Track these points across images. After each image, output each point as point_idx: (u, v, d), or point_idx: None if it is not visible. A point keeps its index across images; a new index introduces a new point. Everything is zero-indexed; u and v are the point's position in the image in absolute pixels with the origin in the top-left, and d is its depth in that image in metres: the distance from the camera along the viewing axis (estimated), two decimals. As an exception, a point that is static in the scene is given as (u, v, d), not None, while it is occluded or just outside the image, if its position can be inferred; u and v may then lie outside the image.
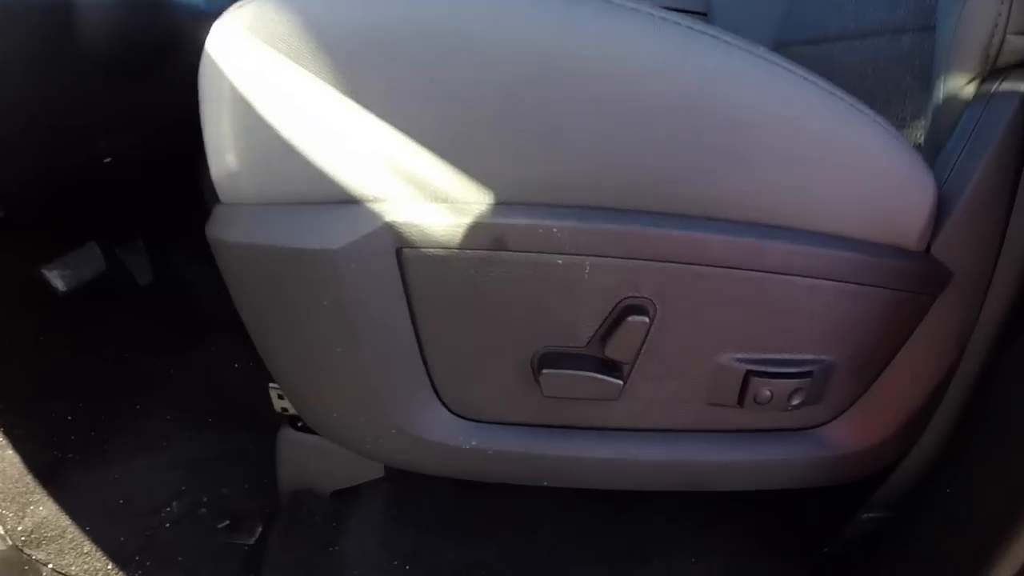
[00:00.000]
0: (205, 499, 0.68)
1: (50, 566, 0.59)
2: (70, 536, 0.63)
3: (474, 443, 0.40)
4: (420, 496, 0.59)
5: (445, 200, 0.33)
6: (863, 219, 0.35)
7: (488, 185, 0.32)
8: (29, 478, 0.72)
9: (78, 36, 0.60)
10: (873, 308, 0.36)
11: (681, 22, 0.31)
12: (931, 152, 0.43)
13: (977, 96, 0.40)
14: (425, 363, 0.38)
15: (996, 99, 0.39)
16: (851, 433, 0.40)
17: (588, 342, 0.35)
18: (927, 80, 0.48)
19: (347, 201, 0.33)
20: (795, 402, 0.36)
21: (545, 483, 0.41)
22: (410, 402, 0.39)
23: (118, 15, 0.66)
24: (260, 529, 0.59)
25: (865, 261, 0.35)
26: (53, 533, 0.62)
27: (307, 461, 0.57)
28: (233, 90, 0.33)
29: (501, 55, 0.30)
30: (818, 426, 0.40)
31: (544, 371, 0.35)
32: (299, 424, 0.53)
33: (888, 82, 0.51)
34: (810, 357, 0.36)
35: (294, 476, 0.58)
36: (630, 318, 0.33)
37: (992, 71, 0.40)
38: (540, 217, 0.32)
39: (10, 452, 0.73)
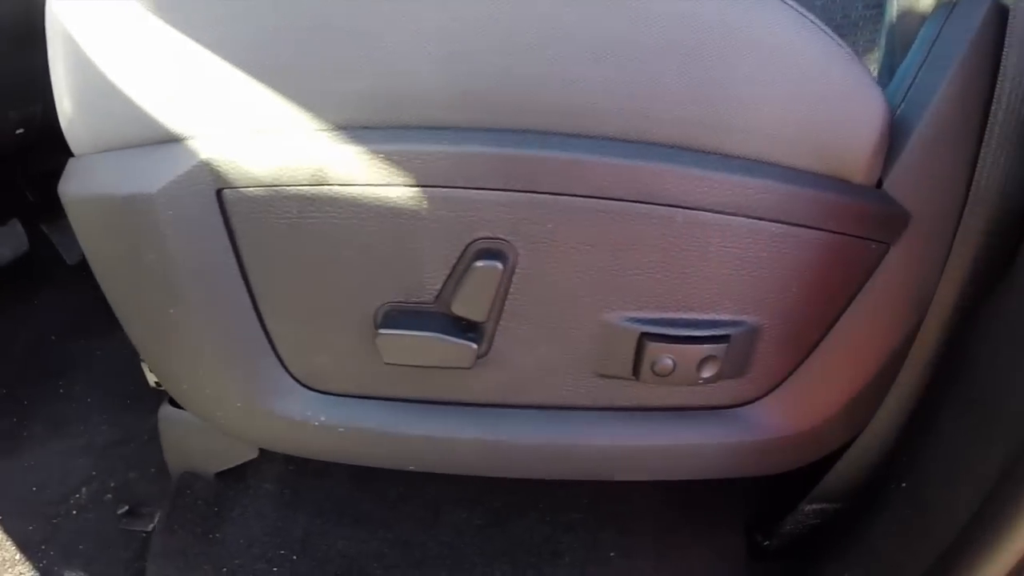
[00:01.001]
0: (112, 484, 0.67)
1: None
2: None
3: (323, 419, 0.35)
4: (314, 480, 0.54)
5: (262, 131, 0.28)
6: (794, 141, 0.28)
7: (306, 109, 0.27)
8: None
9: None
10: (809, 256, 0.30)
11: None
12: (886, 81, 0.36)
13: (938, 5, 0.33)
14: (263, 325, 0.33)
15: (960, 7, 0.32)
16: (785, 414, 0.34)
17: (437, 297, 0.29)
18: (881, 7, 0.40)
19: (167, 140, 0.30)
20: (707, 374, 0.30)
21: (410, 467, 0.36)
22: (253, 371, 0.35)
23: None
24: (159, 515, 0.56)
25: (797, 194, 0.29)
26: None
27: (187, 440, 0.54)
28: (62, 31, 0.30)
29: None
30: (743, 405, 0.34)
31: (380, 332, 0.29)
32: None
33: (837, 14, 0.45)
34: (727, 318, 0.30)
35: (179, 457, 0.55)
36: (479, 263, 0.27)
37: None
38: (366, 142, 0.27)
39: None
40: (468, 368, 0.29)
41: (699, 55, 0.26)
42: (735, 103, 0.27)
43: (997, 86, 0.30)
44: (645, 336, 0.29)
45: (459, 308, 0.28)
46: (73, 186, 0.33)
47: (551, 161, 0.26)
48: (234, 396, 0.36)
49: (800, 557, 0.44)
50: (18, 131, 0.80)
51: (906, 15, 0.37)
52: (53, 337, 1.00)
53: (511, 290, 0.29)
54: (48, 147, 0.98)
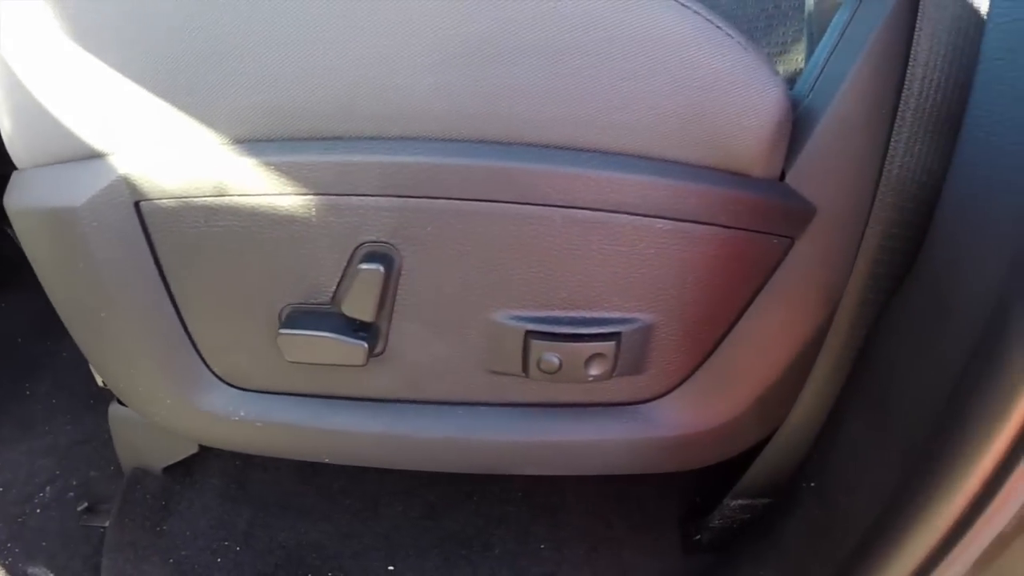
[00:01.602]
0: (74, 483, 0.71)
1: None
2: None
3: (242, 414, 0.38)
4: (259, 473, 0.58)
5: (171, 146, 0.31)
6: (679, 135, 0.29)
7: (205, 125, 0.30)
8: None
9: None
10: (703, 252, 0.31)
11: None
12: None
13: None
14: (184, 326, 0.36)
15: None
16: (690, 411, 0.36)
17: (332, 299, 0.31)
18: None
19: (89, 156, 0.33)
20: (595, 372, 0.32)
21: (325, 459, 0.38)
22: (178, 369, 0.38)
23: None
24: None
25: (685, 190, 0.30)
26: None
27: (135, 437, 0.57)
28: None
29: None
30: (645, 402, 0.36)
31: (280, 332, 0.31)
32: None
33: (769, 4, 0.46)
34: (616, 316, 0.32)
35: (129, 454, 0.59)
36: (363, 266, 0.29)
37: None
38: (259, 154, 0.29)
39: None
40: (363, 366, 0.32)
41: (564, 53, 0.27)
42: (609, 99, 0.28)
43: (908, 72, 0.30)
44: (530, 334, 0.31)
45: (348, 309, 0.30)
46: (14, 198, 0.36)
47: (424, 166, 0.28)
48: (164, 393, 0.39)
49: (729, 552, 0.46)
50: None
51: (824, 1, 0.38)
52: (19, 339, 1.05)
53: (399, 291, 0.31)
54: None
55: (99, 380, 0.56)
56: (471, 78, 0.27)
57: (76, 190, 0.33)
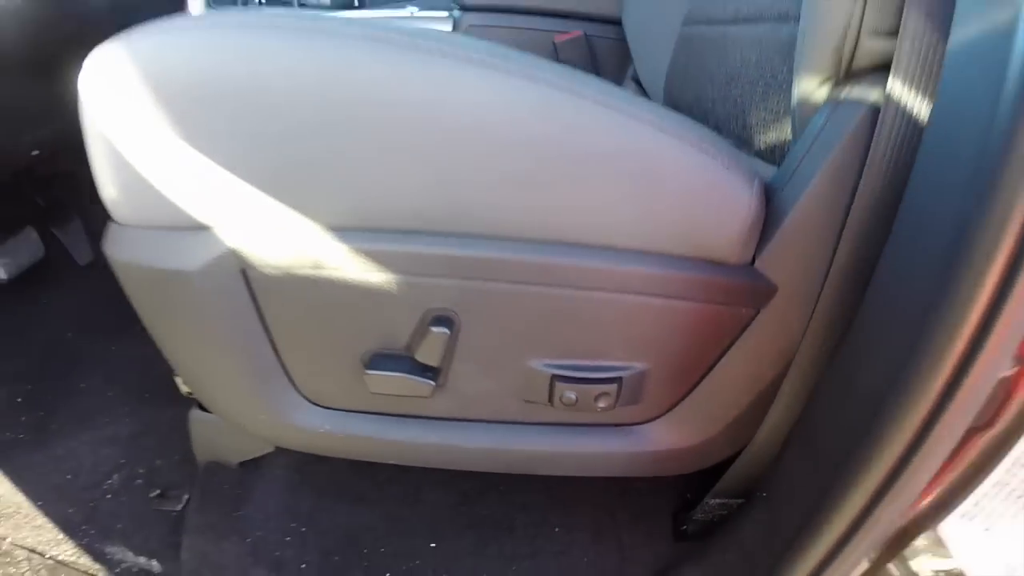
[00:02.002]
0: (141, 471, 0.80)
1: (8, 539, 0.71)
2: (25, 511, 0.75)
3: (327, 427, 0.50)
4: (316, 466, 0.71)
5: (278, 228, 0.40)
6: (668, 236, 0.40)
7: (309, 215, 0.40)
8: None
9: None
10: (686, 320, 0.43)
11: (454, 52, 0.37)
12: (782, 155, 0.48)
13: (828, 100, 0.43)
14: (281, 362, 0.47)
15: (843, 106, 0.41)
16: (673, 431, 0.49)
17: (406, 347, 0.44)
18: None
19: (201, 228, 0.42)
20: (602, 404, 0.45)
21: (391, 462, 0.51)
22: (273, 393, 0.49)
23: (28, 14, 0.76)
24: (187, 497, 0.72)
25: (676, 276, 0.41)
26: (9, 510, 0.74)
27: (214, 437, 0.69)
28: (102, 128, 0.40)
29: (293, 104, 0.37)
30: (641, 423, 0.49)
31: (367, 372, 0.44)
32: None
33: (767, 72, 0.54)
34: (618, 364, 0.44)
35: (206, 450, 0.70)
36: (433, 328, 0.41)
37: (846, 74, 0.42)
38: (348, 241, 0.40)
39: None
40: (428, 396, 0.45)
41: (583, 181, 0.38)
42: (618, 213, 0.39)
43: (862, 178, 0.39)
44: (555, 377, 0.44)
45: (420, 356, 0.43)
46: (120, 252, 0.45)
47: (479, 258, 0.39)
48: (258, 410, 0.51)
49: (706, 540, 0.59)
50: (33, 152, 0.93)
51: (804, 103, 0.48)
52: (69, 335, 1.14)
53: (458, 343, 0.43)
54: (62, 163, 1.10)
55: (183, 390, 0.68)
56: (513, 198, 0.38)
57: (190, 256, 0.42)
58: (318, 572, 0.62)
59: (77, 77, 0.45)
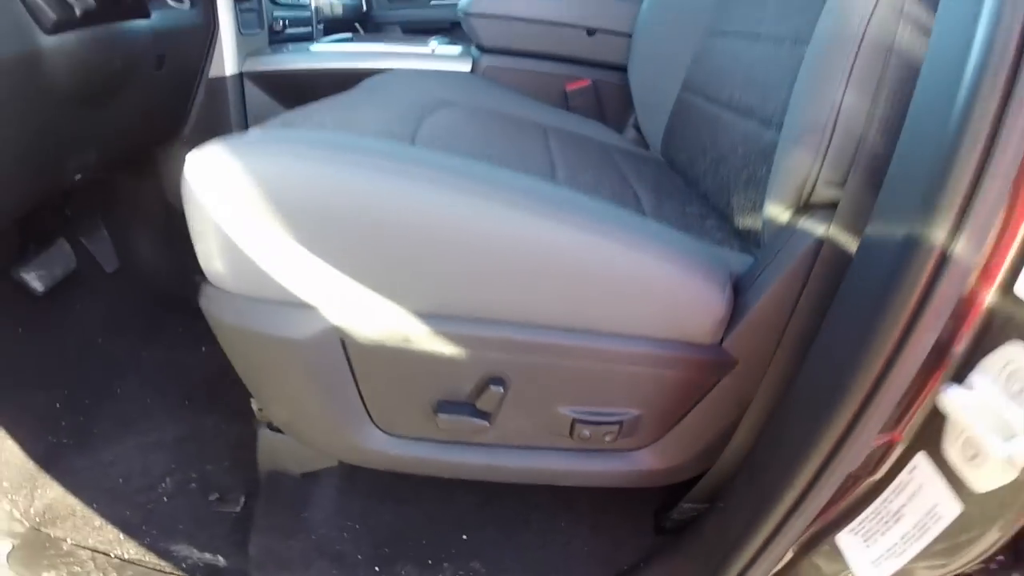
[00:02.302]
0: (193, 475, 0.90)
1: (69, 541, 0.80)
2: (80, 514, 0.83)
3: (397, 451, 0.68)
4: (364, 473, 0.88)
5: (374, 311, 0.57)
6: (656, 324, 0.58)
7: (399, 303, 0.56)
8: (31, 464, 0.91)
9: (47, 76, 0.83)
10: (670, 383, 0.62)
11: (471, 182, 0.54)
12: (754, 244, 0.67)
13: (788, 223, 0.60)
14: (364, 404, 0.64)
15: (798, 233, 0.57)
16: (658, 456, 0.68)
17: (468, 397, 0.62)
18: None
19: (307, 306, 0.56)
20: (608, 438, 0.64)
21: (446, 476, 0.70)
22: (352, 426, 0.66)
23: (82, 54, 0.89)
24: (243, 499, 0.86)
25: (660, 354, 0.59)
26: (64, 512, 0.83)
27: (281, 451, 0.85)
28: (209, 214, 0.55)
29: (380, 222, 0.53)
30: (634, 450, 0.68)
31: (438, 415, 0.62)
32: (273, 426, 0.81)
33: (750, 167, 0.71)
34: (620, 411, 0.63)
35: (271, 461, 0.86)
36: (491, 386, 0.60)
37: (805, 206, 0.59)
38: (431, 323, 0.57)
39: (9, 442, 0.93)
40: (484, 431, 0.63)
41: (587, 286, 0.55)
42: (615, 309, 0.56)
43: (806, 287, 0.57)
44: (575, 420, 0.62)
45: (480, 405, 0.61)
46: (224, 315, 0.58)
47: (523, 340, 0.57)
48: (336, 438, 0.66)
49: (680, 535, 0.80)
50: (76, 176, 1.04)
51: (771, 220, 0.66)
52: (100, 340, 1.24)
53: (507, 395, 0.61)
54: (97, 184, 1.18)
55: (259, 416, 0.81)
56: (534, 299, 0.56)
57: (296, 328, 0.56)
58: (372, 561, 0.79)
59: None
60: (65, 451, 0.97)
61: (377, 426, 0.66)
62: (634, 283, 0.57)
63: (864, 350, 0.48)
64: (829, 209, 0.57)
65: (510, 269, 0.55)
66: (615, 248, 0.56)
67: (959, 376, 0.49)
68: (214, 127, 1.35)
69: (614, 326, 0.59)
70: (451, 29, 2.39)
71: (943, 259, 0.43)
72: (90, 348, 1.22)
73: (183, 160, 0.56)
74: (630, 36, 1.10)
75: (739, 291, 0.61)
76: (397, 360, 0.59)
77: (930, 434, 0.52)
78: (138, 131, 1.30)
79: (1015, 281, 0.45)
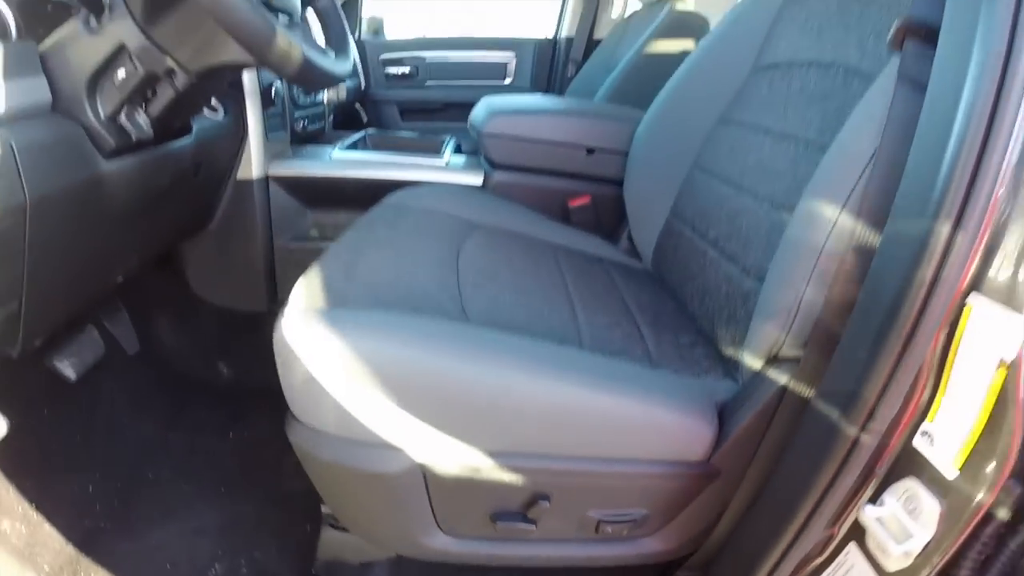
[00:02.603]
0: (242, 561, 0.99)
1: None
2: None
3: (456, 548, 0.88)
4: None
5: (451, 450, 0.77)
6: (661, 451, 0.80)
7: (472, 445, 0.77)
8: (71, 548, 0.98)
9: (105, 197, 1.00)
10: (669, 490, 0.84)
11: (517, 358, 0.76)
12: (735, 369, 0.90)
13: (761, 369, 0.81)
14: (435, 516, 0.83)
15: (768, 379, 0.75)
16: (661, 541, 0.90)
17: (519, 508, 0.83)
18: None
19: (393, 448, 0.77)
20: (625, 532, 0.85)
21: (494, 565, 0.90)
22: (420, 530, 0.85)
23: (135, 175, 1.05)
24: None
25: (663, 471, 0.81)
26: None
27: (342, 544, 1.03)
28: (303, 369, 0.74)
29: (454, 388, 0.74)
30: (643, 537, 0.90)
31: (496, 523, 0.83)
32: (337, 524, 1.00)
33: (732, 306, 0.94)
34: (634, 511, 0.85)
35: (329, 551, 1.03)
36: (540, 501, 0.81)
37: (774, 359, 0.77)
38: (498, 458, 0.78)
39: (46, 526, 1.00)
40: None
41: (596, 432, 0.77)
42: (619, 441, 0.78)
43: (773, 420, 0.78)
44: (600, 521, 0.84)
45: (530, 515, 0.82)
46: (315, 450, 0.75)
47: (558, 468, 0.79)
48: (404, 539, 0.86)
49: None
50: (119, 279, 1.19)
51: (747, 365, 0.89)
52: (126, 423, 1.34)
53: (549, 507, 0.82)
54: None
55: (327, 519, 1.00)
56: (569, 439, 0.77)
57: (384, 464, 0.73)
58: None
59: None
60: (104, 535, 1.06)
61: (441, 529, 0.86)
62: (645, 425, 0.79)
63: (815, 474, 0.70)
64: (793, 363, 0.80)
65: (551, 419, 0.76)
66: (630, 401, 0.78)
67: (876, 494, 0.72)
68: (240, 223, 1.53)
69: (629, 454, 0.80)
70: (444, 110, 2.61)
71: (870, 416, 0.66)
72: (117, 431, 1.33)
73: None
74: (626, 154, 1.33)
75: (723, 418, 0.83)
76: (466, 484, 0.79)
77: (858, 531, 0.75)
78: (173, 231, 1.47)
79: (914, 436, 0.68)
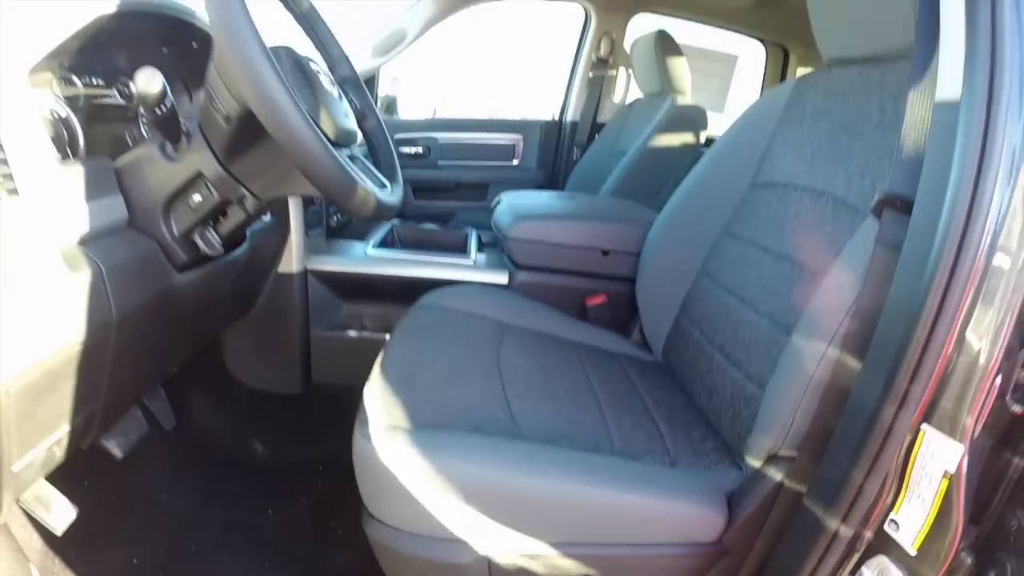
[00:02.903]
0: None
1: None
2: None
3: None
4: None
5: (513, 543, 0.93)
6: (679, 535, 0.97)
7: (523, 535, 0.94)
8: None
9: (176, 305, 1.15)
10: (686, 565, 1.00)
11: (562, 468, 0.95)
12: (741, 459, 1.08)
13: (762, 466, 0.99)
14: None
15: (768, 476, 0.94)
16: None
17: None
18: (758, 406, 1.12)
19: (462, 541, 0.93)
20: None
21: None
22: None
23: (203, 284, 1.22)
24: None
25: (681, 552, 0.98)
26: None
27: None
28: (384, 476, 0.92)
29: (515, 494, 0.93)
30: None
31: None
32: None
33: (736, 405, 1.14)
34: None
35: None
36: (575, 581, 0.98)
37: (771, 458, 0.94)
38: (550, 547, 0.95)
39: None
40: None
41: (611, 528, 0.96)
42: (656, 533, 0.97)
43: (772, 511, 0.98)
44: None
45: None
46: (392, 543, 0.89)
47: (598, 554, 0.96)
48: None
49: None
50: (174, 370, 1.35)
51: (748, 463, 1.09)
52: (164, 497, 1.47)
53: None
54: None
55: None
56: (606, 529, 0.95)
57: (454, 556, 0.87)
58: None
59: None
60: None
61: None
62: (668, 516, 0.97)
63: (808, 551, 0.88)
64: (789, 461, 0.99)
65: (593, 515, 0.95)
66: (656, 499, 0.96)
67: (856, 568, 0.89)
68: (278, 312, 1.72)
69: (656, 539, 0.98)
70: (456, 188, 2.85)
71: (850, 508, 0.84)
72: (156, 506, 1.47)
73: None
74: (638, 255, 1.55)
75: (731, 504, 1.01)
76: (524, 571, 0.96)
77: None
78: (222, 323, 1.66)
79: (884, 523, 0.86)
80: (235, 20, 0.81)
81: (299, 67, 1.06)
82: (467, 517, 0.91)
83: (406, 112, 3.14)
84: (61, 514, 1.14)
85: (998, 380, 0.73)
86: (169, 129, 0.99)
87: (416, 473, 0.90)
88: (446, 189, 2.93)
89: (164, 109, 0.94)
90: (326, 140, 0.88)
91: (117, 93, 1.18)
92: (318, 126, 0.88)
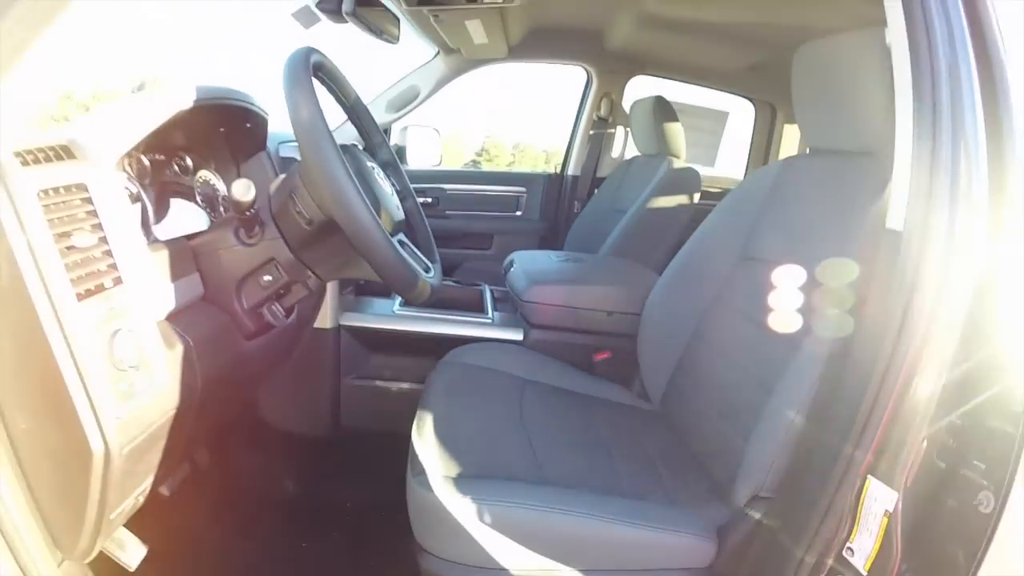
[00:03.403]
0: None
1: None
2: None
3: None
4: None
5: (542, 571, 1.19)
6: (675, 562, 1.23)
7: (555, 563, 1.20)
8: None
9: (243, 369, 1.39)
10: None
11: (581, 507, 1.22)
12: (728, 498, 1.35)
13: (745, 505, 1.27)
14: None
15: (749, 515, 1.23)
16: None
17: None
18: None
19: (504, 569, 1.19)
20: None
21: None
22: None
23: (266, 351, 1.46)
24: None
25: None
26: None
27: None
28: (438, 517, 1.18)
29: (544, 534, 1.19)
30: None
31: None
32: None
33: (723, 457, 1.41)
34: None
35: None
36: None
37: (753, 498, 1.30)
38: (576, 573, 1.22)
39: None
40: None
41: (618, 555, 1.23)
42: (654, 560, 1.22)
43: (754, 540, 1.28)
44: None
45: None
46: (446, 573, 1.20)
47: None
48: None
49: None
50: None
51: (732, 504, 1.37)
52: (201, 531, 1.64)
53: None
54: None
55: None
56: (615, 557, 1.21)
57: None
58: None
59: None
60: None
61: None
62: (669, 547, 1.23)
63: (785, 574, 1.15)
64: (768, 501, 1.26)
65: (609, 547, 1.21)
66: (659, 533, 1.22)
67: None
68: (312, 363, 1.97)
69: (658, 566, 1.24)
70: (464, 237, 3.14)
71: (815, 538, 1.12)
72: (195, 540, 1.69)
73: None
74: (639, 314, 1.83)
75: (721, 536, 1.27)
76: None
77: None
78: (265, 376, 1.91)
79: (843, 550, 1.13)
80: (323, 148, 1.07)
81: (358, 164, 1.33)
82: (506, 549, 1.17)
83: (415, 162, 3.44)
84: (134, 552, 1.36)
85: (924, 444, 1.01)
86: (246, 220, 1.20)
87: (466, 515, 1.16)
88: (454, 238, 3.22)
89: (252, 211, 1.20)
90: (392, 241, 1.13)
91: (177, 168, 1.43)
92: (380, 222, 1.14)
